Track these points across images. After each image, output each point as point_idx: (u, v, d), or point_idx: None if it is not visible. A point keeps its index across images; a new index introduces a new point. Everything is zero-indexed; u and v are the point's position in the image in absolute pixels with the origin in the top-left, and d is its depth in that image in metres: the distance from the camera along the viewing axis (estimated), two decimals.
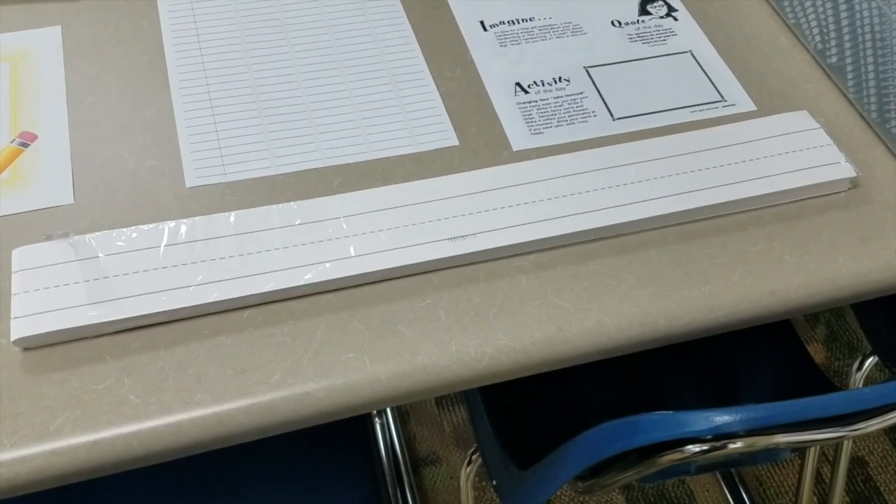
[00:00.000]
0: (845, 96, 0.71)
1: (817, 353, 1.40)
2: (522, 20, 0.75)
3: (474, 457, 0.90)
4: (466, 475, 0.93)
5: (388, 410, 1.31)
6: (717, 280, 0.58)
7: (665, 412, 0.54)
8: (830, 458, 1.27)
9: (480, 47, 0.72)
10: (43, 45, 0.70)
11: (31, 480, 0.48)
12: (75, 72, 0.68)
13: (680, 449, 0.55)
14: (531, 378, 0.59)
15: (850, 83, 0.70)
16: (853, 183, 0.64)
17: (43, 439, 0.49)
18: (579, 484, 0.71)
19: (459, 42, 0.73)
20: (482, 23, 0.74)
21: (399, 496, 1.22)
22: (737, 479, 1.26)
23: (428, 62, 0.71)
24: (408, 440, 1.28)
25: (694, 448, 0.55)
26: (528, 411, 0.85)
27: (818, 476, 1.26)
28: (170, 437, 0.49)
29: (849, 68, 0.70)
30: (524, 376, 0.56)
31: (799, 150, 0.65)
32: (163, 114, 0.66)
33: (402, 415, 1.31)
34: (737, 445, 0.54)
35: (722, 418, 0.52)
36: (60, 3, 0.73)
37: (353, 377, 0.52)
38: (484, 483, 1.21)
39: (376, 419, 1.27)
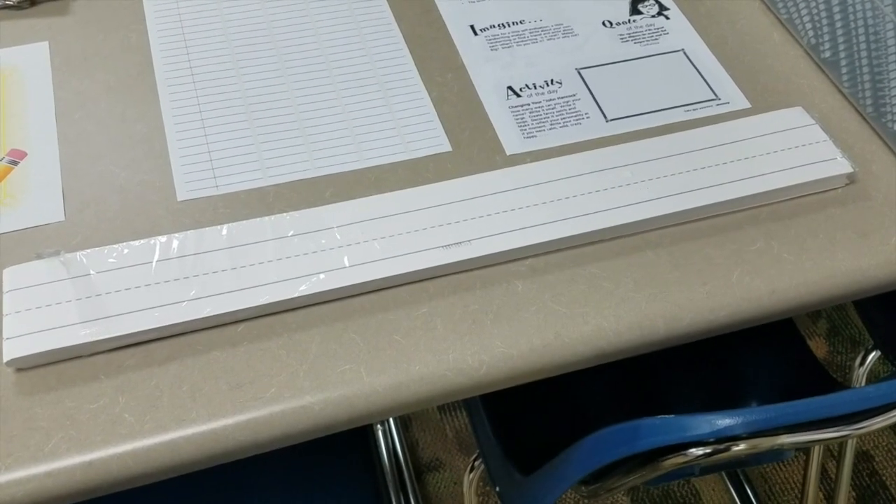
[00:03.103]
0: (840, 91, 0.70)
1: (819, 347, 1.40)
2: (513, 23, 0.74)
3: (477, 463, 0.90)
4: (469, 481, 0.92)
5: (390, 417, 1.30)
6: (716, 280, 0.57)
7: (667, 416, 0.53)
8: (836, 454, 1.26)
9: (471, 52, 0.72)
10: (31, 61, 0.70)
11: (27, 503, 0.48)
12: (64, 87, 0.68)
13: (683, 452, 0.55)
14: (532, 383, 0.58)
15: (845, 78, 0.70)
16: (850, 179, 0.64)
17: (38, 461, 0.48)
18: (583, 488, 0.70)
19: (450, 47, 0.73)
20: (472, 27, 0.74)
21: (402, 503, 1.21)
22: (742, 478, 1.25)
23: (419, 68, 0.71)
24: (410, 446, 1.28)
25: (697, 451, 0.54)
26: (529, 416, 0.84)
27: (824, 471, 1.26)
28: (166, 456, 0.49)
29: (843, 63, 0.70)
30: (519, 383, 0.56)
31: (794, 146, 0.64)
32: (153, 127, 0.65)
33: (404, 421, 1.31)
34: (740, 448, 0.54)
35: (724, 421, 0.51)
36: (48, 19, 0.73)
37: (349, 389, 0.52)
38: (487, 489, 1.20)
39: (378, 426, 1.26)
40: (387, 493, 0.81)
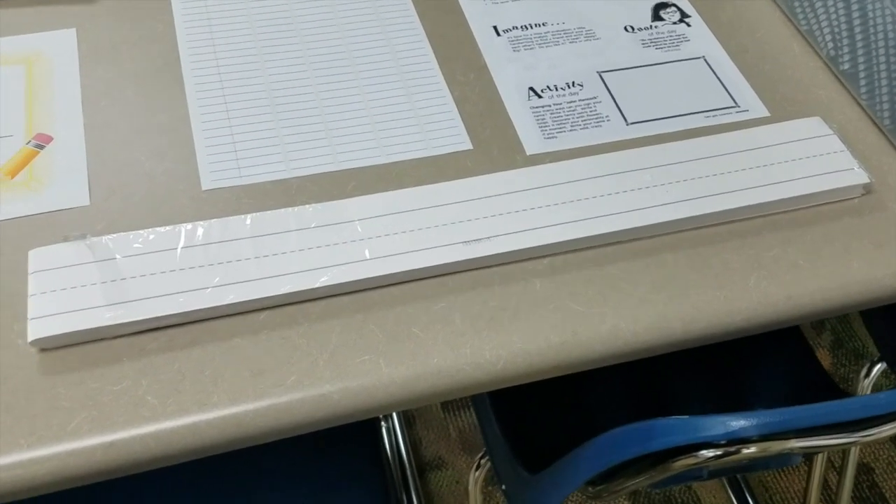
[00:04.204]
0: (858, 103, 0.71)
1: (823, 359, 1.40)
2: (535, 25, 0.75)
3: (483, 461, 0.90)
4: (475, 479, 0.93)
5: (394, 414, 1.31)
6: (733, 285, 0.58)
7: (681, 417, 0.54)
8: (837, 466, 1.27)
9: (494, 52, 0.73)
10: (58, 47, 0.70)
11: (48, 481, 0.48)
12: (90, 74, 0.68)
13: (694, 454, 0.55)
14: (540, 381, 0.59)
15: (863, 90, 0.70)
16: (866, 189, 0.65)
17: (60, 440, 0.49)
18: (589, 489, 0.71)
19: (473, 47, 0.73)
20: (495, 28, 0.75)
21: (405, 500, 1.22)
22: (743, 485, 1.26)
23: (441, 67, 0.71)
24: (413, 444, 1.28)
25: (708, 453, 0.55)
26: (537, 415, 0.85)
27: (824, 483, 1.26)
28: (187, 439, 0.49)
29: (861, 75, 0.70)
30: (535, 380, 0.56)
31: (812, 156, 0.65)
32: (178, 117, 0.66)
33: (407, 419, 1.31)
34: (750, 450, 0.54)
35: (738, 423, 0.52)
36: (75, 6, 0.74)
37: (368, 379, 0.52)
38: (490, 488, 1.21)
39: (382, 422, 1.27)
40: (394, 488, 0.81)
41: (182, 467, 0.76)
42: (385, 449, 1.20)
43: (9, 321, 0.54)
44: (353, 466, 0.80)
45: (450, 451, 1.27)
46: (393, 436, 1.29)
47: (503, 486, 0.84)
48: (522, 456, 0.81)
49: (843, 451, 1.10)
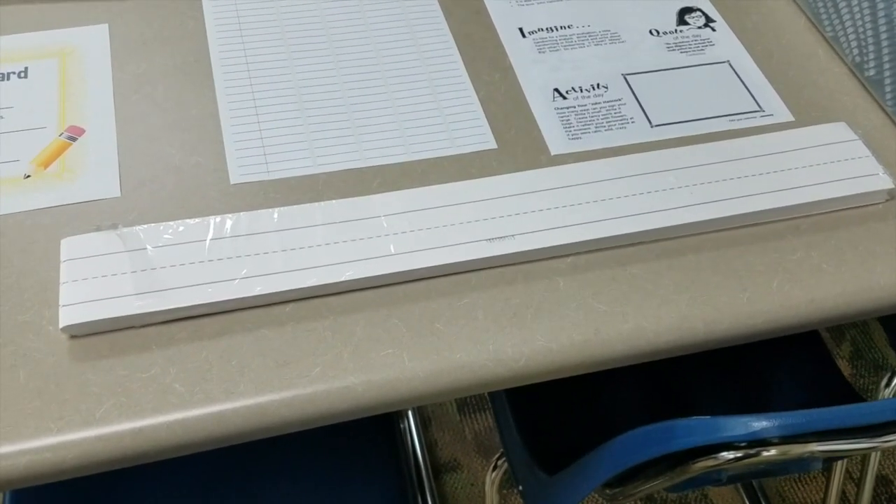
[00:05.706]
0: (883, 109, 0.71)
1: (842, 370, 1.39)
2: (561, 27, 0.75)
3: (500, 462, 0.90)
4: (492, 480, 0.93)
5: (410, 415, 1.31)
6: (757, 287, 0.58)
7: (702, 417, 0.54)
8: (855, 477, 1.26)
9: (519, 53, 0.73)
10: (90, 42, 0.72)
11: (76, 465, 0.49)
12: (122, 69, 0.70)
13: (714, 455, 0.55)
14: (557, 383, 0.59)
15: (888, 97, 0.70)
16: (891, 195, 0.64)
17: (89, 425, 0.50)
18: (606, 491, 0.71)
19: (498, 48, 0.74)
20: (521, 29, 0.75)
21: (420, 501, 1.22)
22: (759, 494, 1.25)
23: (467, 66, 0.72)
24: (429, 446, 1.29)
25: (728, 455, 0.55)
26: (554, 416, 0.85)
27: (842, 495, 1.25)
28: (213, 426, 0.50)
29: (887, 82, 0.70)
30: (551, 380, 0.56)
31: (837, 160, 0.65)
32: (208, 112, 0.67)
33: (423, 420, 1.32)
34: (770, 453, 0.54)
35: (760, 424, 0.52)
36: (108, 2, 0.75)
37: (391, 373, 0.53)
38: (505, 490, 1.21)
39: (398, 422, 1.27)
40: (411, 486, 0.82)
41: (198, 458, 0.77)
42: (402, 447, 1.21)
43: (40, 308, 0.55)
44: (370, 463, 0.80)
45: (465, 454, 1.27)
46: (408, 437, 1.29)
47: (520, 488, 0.85)
48: (540, 457, 0.81)
49: (863, 461, 1.09)
